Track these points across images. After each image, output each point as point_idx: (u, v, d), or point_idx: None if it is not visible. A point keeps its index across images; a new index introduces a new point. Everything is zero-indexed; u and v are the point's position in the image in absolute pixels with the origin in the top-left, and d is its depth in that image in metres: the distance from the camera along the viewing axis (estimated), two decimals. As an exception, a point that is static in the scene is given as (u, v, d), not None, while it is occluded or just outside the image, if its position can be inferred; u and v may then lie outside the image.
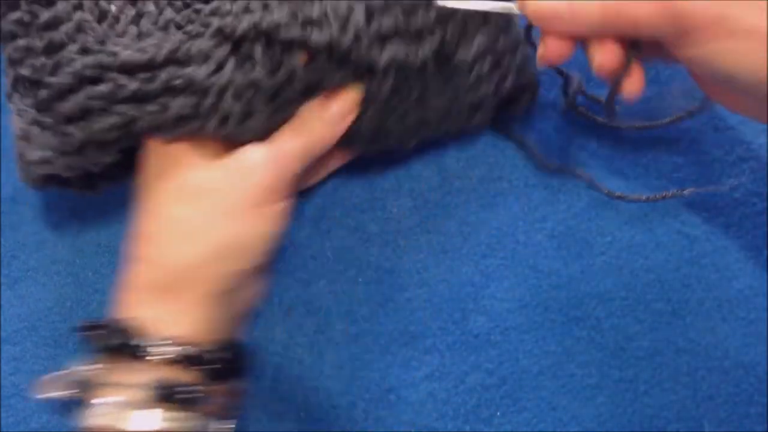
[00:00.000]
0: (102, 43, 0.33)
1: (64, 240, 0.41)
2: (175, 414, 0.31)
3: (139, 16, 0.34)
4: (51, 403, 0.34)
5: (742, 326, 0.37)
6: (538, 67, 0.38)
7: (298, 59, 0.33)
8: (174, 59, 0.32)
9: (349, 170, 0.41)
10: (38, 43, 0.33)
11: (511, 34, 0.38)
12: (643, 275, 0.38)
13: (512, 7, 0.33)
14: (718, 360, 0.36)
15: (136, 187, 0.35)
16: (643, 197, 0.39)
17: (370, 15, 0.33)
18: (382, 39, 0.34)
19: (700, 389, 0.36)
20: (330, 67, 0.34)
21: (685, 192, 0.38)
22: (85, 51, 0.33)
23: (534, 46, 0.35)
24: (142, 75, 0.32)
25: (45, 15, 0.34)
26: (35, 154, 0.34)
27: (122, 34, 0.33)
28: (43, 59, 0.33)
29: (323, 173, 0.40)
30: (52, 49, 0.33)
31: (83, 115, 0.33)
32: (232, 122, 0.33)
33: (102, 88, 0.32)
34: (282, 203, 0.35)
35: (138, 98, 0.32)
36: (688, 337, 0.37)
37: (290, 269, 0.40)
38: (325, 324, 0.39)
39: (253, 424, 0.37)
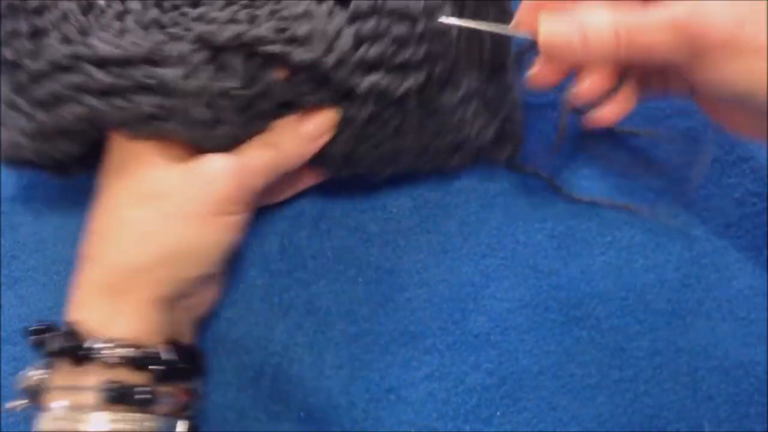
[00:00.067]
0: (84, 34, 0.33)
1: (64, 240, 0.41)
2: (128, 415, 0.31)
3: (126, 12, 0.34)
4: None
5: (742, 326, 0.37)
6: (525, 89, 0.37)
7: (277, 74, 0.33)
8: (150, 59, 0.32)
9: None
10: (24, 27, 0.34)
11: (502, 81, 0.38)
12: (643, 275, 0.38)
13: (508, 29, 0.33)
14: (718, 360, 0.36)
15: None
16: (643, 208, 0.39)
17: (359, 41, 0.33)
18: (367, 66, 0.33)
19: (700, 389, 0.36)
20: (309, 87, 0.34)
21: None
22: (65, 40, 0.33)
23: (523, 71, 0.34)
24: (116, 70, 0.32)
25: (34, 2, 0.34)
26: (6, 136, 0.35)
27: (105, 28, 0.34)
28: (26, 43, 0.34)
29: (292, 191, 0.40)
30: (36, 34, 0.34)
31: (54, 102, 0.33)
32: (200, 128, 0.33)
33: (74, 78, 0.32)
34: (240, 215, 0.34)
35: (108, 92, 0.32)
36: (688, 337, 0.37)
37: (290, 269, 0.40)
38: (325, 324, 0.38)
39: (253, 424, 0.37)
